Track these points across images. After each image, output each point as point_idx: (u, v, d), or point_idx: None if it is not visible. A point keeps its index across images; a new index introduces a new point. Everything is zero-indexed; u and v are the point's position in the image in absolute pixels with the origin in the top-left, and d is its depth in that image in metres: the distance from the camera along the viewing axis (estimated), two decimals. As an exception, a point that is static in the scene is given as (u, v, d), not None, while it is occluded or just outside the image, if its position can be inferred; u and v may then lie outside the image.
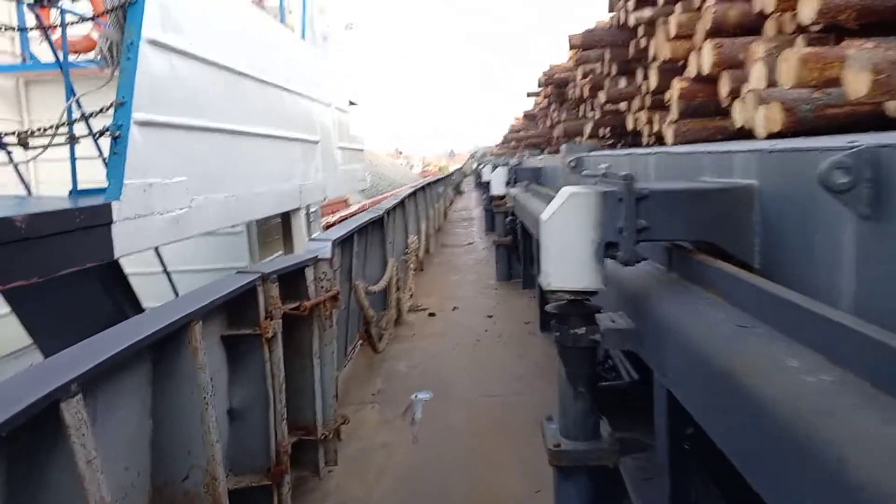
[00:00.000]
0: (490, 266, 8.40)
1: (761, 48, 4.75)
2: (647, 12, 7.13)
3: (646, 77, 8.71)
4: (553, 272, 1.96)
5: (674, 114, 6.67)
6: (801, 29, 4.75)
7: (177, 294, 6.36)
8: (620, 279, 2.25)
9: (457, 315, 7.01)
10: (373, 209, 5.57)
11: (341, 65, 8.79)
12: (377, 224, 5.20)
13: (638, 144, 11.06)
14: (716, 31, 5.50)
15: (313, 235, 3.63)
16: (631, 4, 7.67)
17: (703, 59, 5.34)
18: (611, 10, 9.03)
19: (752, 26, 5.51)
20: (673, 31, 6.35)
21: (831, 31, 4.55)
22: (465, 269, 8.69)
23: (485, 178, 11.14)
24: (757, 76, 4.53)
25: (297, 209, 6.53)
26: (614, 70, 9.77)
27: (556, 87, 15.94)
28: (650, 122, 8.61)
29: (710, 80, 5.60)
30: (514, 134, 32.32)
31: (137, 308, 5.03)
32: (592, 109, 13.72)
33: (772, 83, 4.44)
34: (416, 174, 62.05)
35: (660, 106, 8.43)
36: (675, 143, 5.76)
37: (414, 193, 7.68)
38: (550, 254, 1.95)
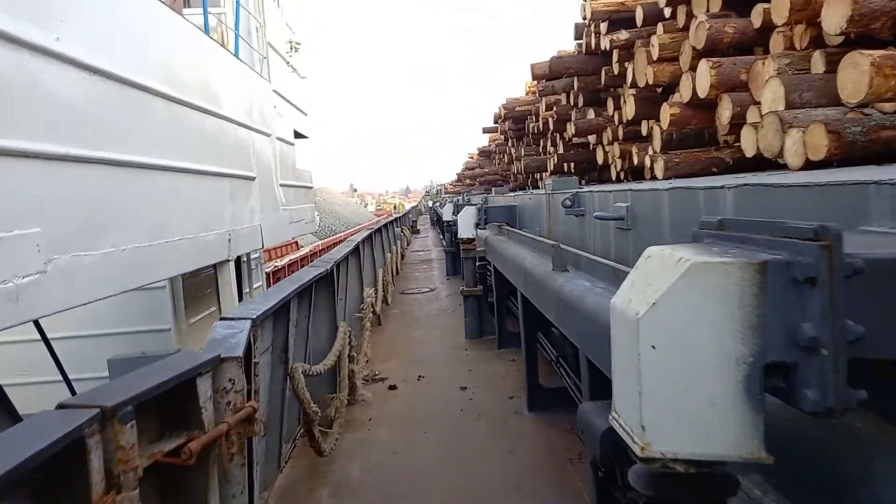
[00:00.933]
0: (457, 318, 7.22)
1: (771, 65, 4.07)
2: (623, 34, 6.51)
3: (618, 107, 8.12)
4: (657, 422, 0.94)
5: (657, 144, 6.01)
6: (814, 42, 4.10)
7: (62, 371, 5.11)
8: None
9: (423, 386, 5.69)
10: (320, 261, 4.53)
11: (289, 90, 7.90)
12: (325, 281, 4.18)
13: (607, 180, 10.48)
14: (709, 51, 4.85)
15: (231, 313, 2.64)
16: (604, 27, 7.06)
17: (699, 80, 4.66)
18: (577, 37, 8.46)
19: (749, 44, 4.88)
20: (656, 53, 5.70)
21: (854, 43, 3.90)
22: (428, 321, 7.63)
23: (446, 217, 10.31)
24: (772, 97, 3.83)
25: (225, 261, 5.59)
26: (581, 101, 9.19)
27: (514, 121, 15.43)
28: (624, 155, 7.98)
29: (704, 106, 4.92)
30: (469, 171, 31.93)
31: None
32: (554, 144, 13.20)
33: (791, 104, 3.74)
34: (370, 213, 61.15)
35: (636, 137, 7.82)
36: (666, 177, 5.05)
37: (370, 237, 6.77)
38: (651, 386, 0.93)
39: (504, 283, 4.61)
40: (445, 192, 44.86)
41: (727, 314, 0.93)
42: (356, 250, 5.44)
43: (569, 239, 3.34)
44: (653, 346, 0.94)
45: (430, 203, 38.99)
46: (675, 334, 0.94)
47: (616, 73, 7.35)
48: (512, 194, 5.82)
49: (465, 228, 5.32)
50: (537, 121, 12.08)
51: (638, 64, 6.04)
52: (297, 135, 8.51)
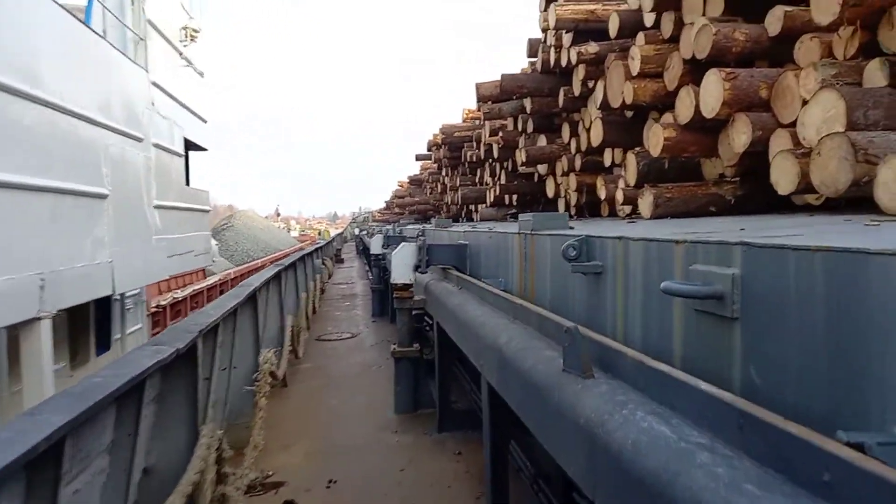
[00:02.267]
0: (384, 377, 5.75)
1: (812, 76, 3.10)
2: (592, 47, 5.54)
3: (575, 133, 7.19)
4: None
5: (631, 176, 5.03)
6: (864, 49, 3.18)
7: None
8: None
9: (334, 501, 3.87)
10: (188, 323, 2.99)
11: (180, 88, 6.38)
12: (185, 358, 2.69)
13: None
14: (710, 63, 3.90)
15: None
16: (567, 39, 6.09)
17: (705, 96, 3.67)
18: (531, 54, 7.51)
19: (761, 56, 3.95)
20: (637, 66, 4.73)
21: (923, 53, 3.00)
22: (348, 383, 5.99)
23: (374, 249, 9.04)
24: (824, 115, 2.85)
25: (34, 320, 3.56)
26: (531, 126, 8.24)
27: (450, 148, 14.45)
28: (581, 188, 7.03)
29: (706, 129, 3.95)
30: (399, 199, 30.83)
31: None
32: (493, 174, 12.24)
33: (854, 125, 2.77)
34: (293, 238, 58.67)
35: (596, 168, 6.87)
36: (655, 216, 4.03)
37: (278, 275, 5.39)
38: None
39: (451, 345, 3.40)
40: (373, 220, 43.50)
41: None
42: (252, 299, 4.09)
43: (567, 307, 2.16)
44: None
45: (357, 231, 37.48)
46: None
47: (577, 93, 6.40)
48: (460, 229, 4.65)
49: (401, 271, 4.14)
50: (477, 148, 11.10)
51: (612, 81, 5.06)
52: (191, 145, 7.06)
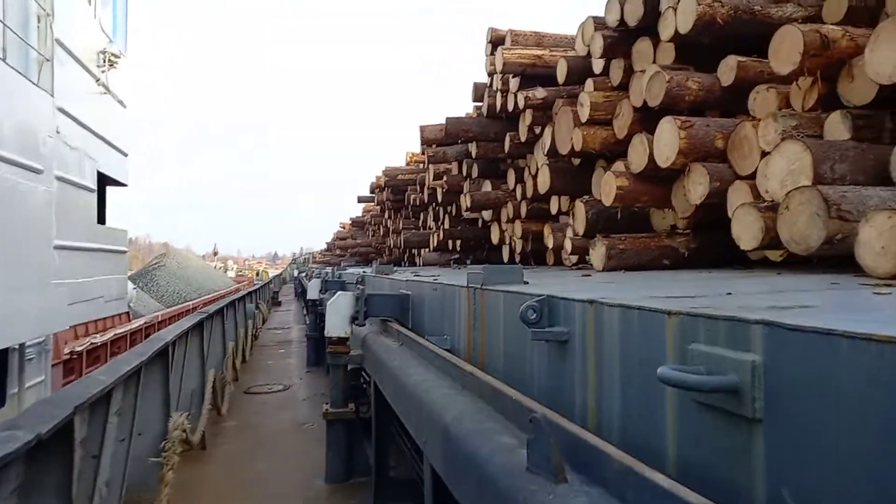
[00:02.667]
0: (317, 437, 5.37)
1: (772, 127, 2.99)
2: (540, 92, 5.42)
3: (521, 180, 7.05)
4: None
5: (580, 225, 4.86)
6: (823, 101, 3.10)
7: None
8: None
9: None
10: (68, 392, 2.44)
11: (96, 117, 5.77)
12: (62, 436, 2.14)
13: (498, 261, 9.31)
14: (662, 111, 3.77)
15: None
16: (514, 84, 5.97)
17: (660, 145, 3.53)
18: (477, 98, 7.39)
19: (714, 105, 3.86)
20: (586, 113, 4.60)
21: (882, 105, 2.92)
22: (275, 444, 5.52)
23: (311, 294, 8.58)
24: (788, 167, 2.71)
25: None
26: (476, 171, 8.09)
27: (393, 191, 14.21)
28: (527, 235, 6.84)
29: (660, 179, 3.80)
30: (341, 241, 30.29)
31: None
32: (437, 219, 12.03)
33: (821, 178, 2.63)
34: (230, 279, 56.80)
35: (542, 216, 6.70)
36: (608, 268, 3.82)
37: (200, 324, 4.81)
38: None
39: (391, 409, 3.05)
40: (314, 262, 42.61)
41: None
42: (162, 354, 3.58)
43: (526, 378, 1.87)
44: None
45: (296, 272, 36.54)
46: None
47: (523, 139, 6.26)
48: (402, 277, 4.33)
49: (337, 322, 3.76)
50: (421, 191, 10.89)
51: (560, 127, 4.92)
52: (108, 180, 6.50)
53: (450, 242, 10.23)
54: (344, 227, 32.76)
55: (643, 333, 1.29)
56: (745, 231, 2.84)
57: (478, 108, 7.64)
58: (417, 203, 11.89)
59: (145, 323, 15.76)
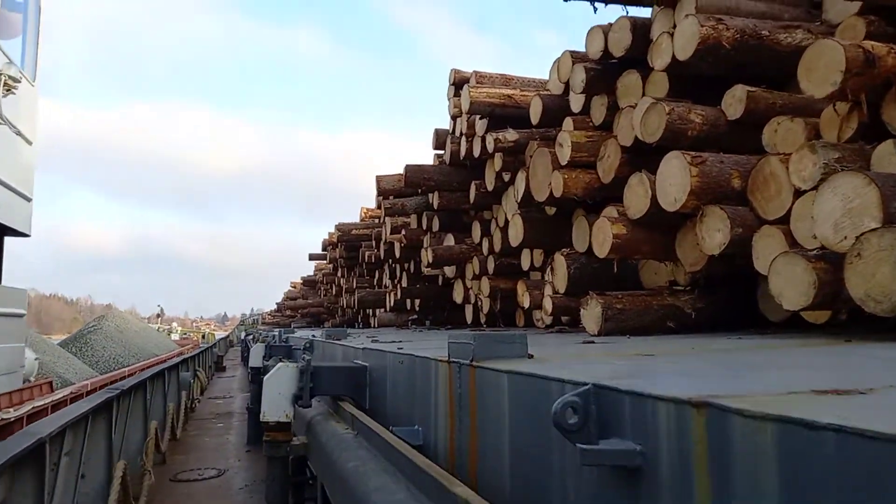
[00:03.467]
0: None
1: (808, 161, 2.47)
2: (511, 134, 4.91)
3: (487, 233, 6.48)
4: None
5: (560, 282, 4.27)
6: (861, 129, 2.62)
7: None
8: None
9: None
10: None
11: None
12: None
13: (460, 324, 8.63)
14: (659, 149, 3.26)
15: None
16: (481, 126, 5.45)
17: (666, 184, 2.99)
18: (438, 146, 6.88)
19: (714, 142, 3.38)
20: (566, 155, 4.08)
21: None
22: None
23: (253, 361, 7.69)
24: (844, 206, 2.17)
25: None
26: (437, 224, 7.50)
27: (346, 248, 13.50)
28: (495, 294, 6.22)
29: (663, 225, 3.25)
30: (291, 301, 29.15)
31: None
32: (393, 276, 11.33)
33: (890, 218, 2.10)
34: (173, 342, 54.09)
35: (511, 272, 6.11)
36: (605, 332, 3.21)
37: (109, 404, 3.92)
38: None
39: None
40: (263, 323, 40.99)
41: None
42: (37, 455, 2.71)
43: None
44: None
45: (243, 334, 34.92)
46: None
47: (491, 188, 5.73)
48: (358, 344, 3.61)
49: (276, 403, 3.00)
50: (377, 247, 10.22)
51: (536, 171, 4.38)
52: (6, 230, 5.60)
53: (408, 302, 9.53)
54: (295, 287, 31.65)
55: (830, 469, 0.65)
56: (790, 286, 2.27)
57: (439, 156, 7.12)
58: (373, 260, 11.21)
59: (71, 393, 14.30)
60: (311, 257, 19.46)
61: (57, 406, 13.12)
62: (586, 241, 4.23)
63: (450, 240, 6.92)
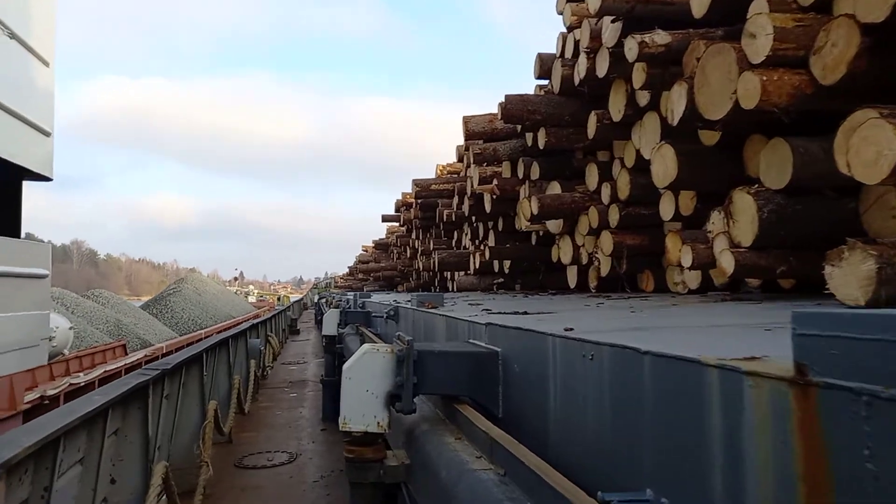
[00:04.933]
0: None
1: None
2: (661, 36, 3.65)
3: (606, 179, 5.27)
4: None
5: (744, 231, 3.07)
6: None
7: None
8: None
9: None
10: None
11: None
12: None
13: (561, 288, 7.41)
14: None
15: None
16: (611, 33, 4.19)
17: None
18: (542, 73, 5.64)
19: None
20: (765, 47, 2.83)
21: None
22: None
23: (326, 329, 6.82)
24: None
25: None
26: (538, 171, 6.32)
27: (422, 208, 12.48)
28: (621, 252, 5.04)
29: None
30: (363, 265, 28.67)
31: None
32: (476, 236, 10.24)
33: None
34: (250, 304, 55.32)
35: (640, 224, 4.91)
36: (870, 304, 2.01)
37: (145, 388, 3.25)
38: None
39: None
40: (335, 286, 40.98)
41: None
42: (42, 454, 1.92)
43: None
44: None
45: (317, 298, 34.86)
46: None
47: (619, 117, 4.50)
48: (470, 315, 2.52)
49: (359, 407, 1.98)
50: (459, 203, 9.14)
51: (708, 78, 3.15)
52: (22, 172, 4.66)
53: (495, 264, 8.45)
54: (367, 250, 31.09)
55: None
56: None
57: (541, 87, 5.90)
58: (452, 219, 10.13)
59: (145, 356, 14.13)
60: (385, 218, 18.60)
61: (130, 369, 12.80)
62: (786, 172, 3.00)
63: (555, 188, 5.74)
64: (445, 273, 11.81)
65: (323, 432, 6.14)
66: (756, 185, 3.15)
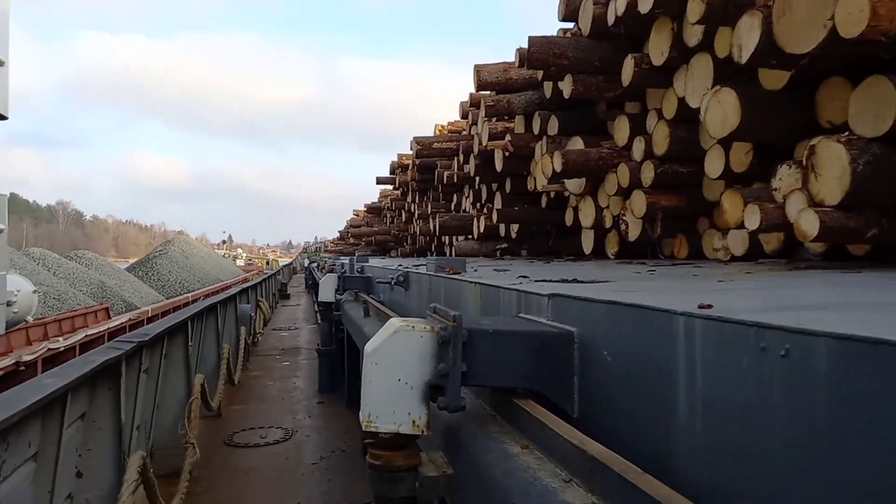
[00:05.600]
0: None
1: None
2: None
3: (638, 132, 4.76)
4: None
5: (830, 188, 2.60)
6: None
7: None
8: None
9: None
10: None
11: None
12: None
13: (573, 253, 6.90)
14: None
15: None
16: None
17: None
18: (568, 15, 5.06)
19: None
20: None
21: None
22: None
23: (323, 295, 6.33)
24: None
25: None
26: (556, 125, 5.78)
27: (420, 169, 11.91)
28: (655, 214, 4.56)
29: None
30: (354, 229, 28.09)
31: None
32: (478, 199, 9.73)
33: None
34: (238, 268, 54.62)
35: (676, 183, 4.42)
36: None
37: (115, 365, 2.27)
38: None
39: None
40: (325, 251, 40.41)
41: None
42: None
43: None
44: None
45: (307, 262, 34.26)
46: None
47: (661, 60, 3.97)
48: (532, 285, 2.01)
49: (389, 400, 1.60)
50: (464, 163, 8.59)
51: (791, 2, 2.62)
52: None
53: (502, 227, 7.95)
54: (358, 215, 30.42)
55: None
56: None
57: (566, 31, 5.33)
58: (454, 181, 9.61)
59: (129, 320, 13.58)
60: (379, 181, 17.99)
61: (113, 334, 12.26)
62: (888, 117, 2.51)
63: (577, 143, 5.22)
64: (443, 238, 11.33)
65: (319, 405, 5.69)
66: (846, 133, 2.66)
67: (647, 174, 4.40)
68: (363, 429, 1.65)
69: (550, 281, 2.32)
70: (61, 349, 9.28)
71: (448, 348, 1.52)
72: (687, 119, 4.16)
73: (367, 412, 1.60)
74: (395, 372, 1.56)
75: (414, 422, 1.56)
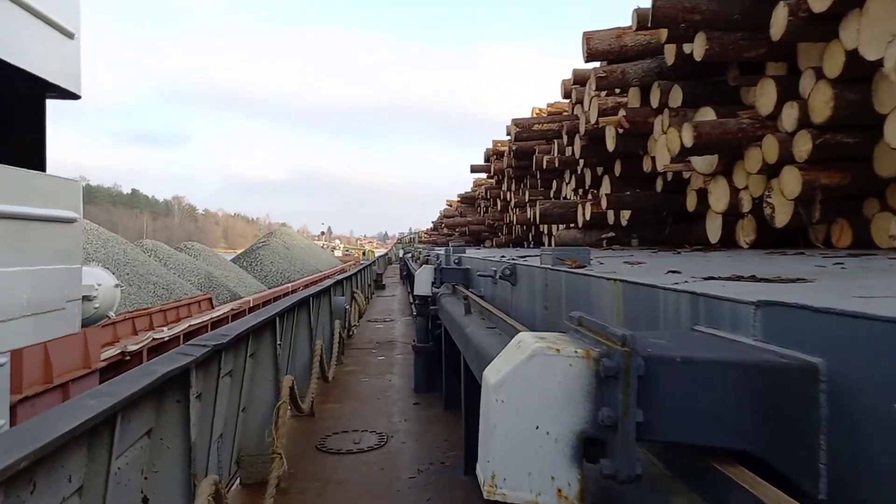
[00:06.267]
0: None
1: None
2: None
3: (791, 97, 4.01)
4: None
5: None
6: None
7: None
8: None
9: None
10: None
11: None
12: None
13: (700, 242, 6.08)
14: None
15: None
16: None
17: None
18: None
19: None
20: None
21: None
22: None
23: (419, 288, 5.94)
24: None
25: None
26: (678, 97, 5.07)
27: (517, 155, 11.34)
28: (815, 194, 3.82)
29: None
30: (448, 219, 27.83)
31: None
32: (582, 184, 9.06)
33: None
34: (336, 259, 55.99)
35: (839, 157, 3.65)
36: None
37: (186, 373, 2.08)
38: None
39: None
40: (419, 241, 40.54)
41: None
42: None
43: None
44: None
45: (401, 252, 34.41)
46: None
47: (824, 6, 3.23)
48: (740, 293, 1.45)
49: (522, 461, 1.17)
50: (569, 142, 7.95)
51: None
52: (45, 85, 3.66)
53: (611, 214, 7.27)
54: (451, 205, 30.15)
55: None
56: None
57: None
58: (556, 165, 8.97)
59: (232, 310, 13.89)
60: (473, 169, 17.53)
61: (217, 323, 12.53)
62: None
63: (708, 114, 4.51)
64: (542, 227, 10.74)
65: (416, 407, 5.31)
66: None
67: (803, 146, 3.66)
68: (484, 494, 1.17)
69: (718, 278, 1.75)
70: (166, 339, 9.51)
71: (615, 385, 1.01)
72: (854, 78, 3.41)
73: (489, 470, 1.11)
74: (532, 416, 1.06)
75: (560, 490, 1.07)
